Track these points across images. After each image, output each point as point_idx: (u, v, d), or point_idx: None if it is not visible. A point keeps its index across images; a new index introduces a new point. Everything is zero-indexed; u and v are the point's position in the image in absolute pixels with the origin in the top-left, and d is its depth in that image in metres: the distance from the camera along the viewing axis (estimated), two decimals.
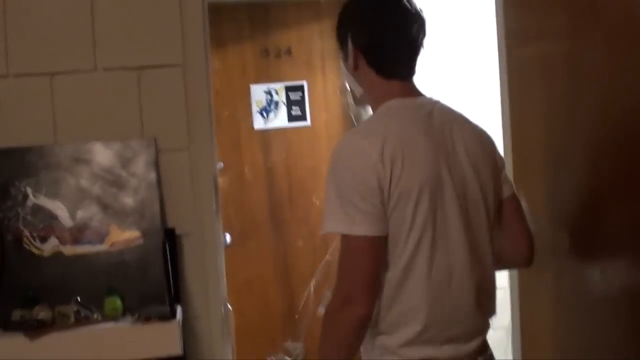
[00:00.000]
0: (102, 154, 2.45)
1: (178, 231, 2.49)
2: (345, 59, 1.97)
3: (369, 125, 1.92)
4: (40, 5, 2.44)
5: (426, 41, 1.96)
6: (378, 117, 1.91)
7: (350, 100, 2.08)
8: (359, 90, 1.99)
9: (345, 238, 1.79)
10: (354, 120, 2.49)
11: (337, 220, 1.79)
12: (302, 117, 4.60)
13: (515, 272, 2.64)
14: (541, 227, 2.20)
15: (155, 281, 2.40)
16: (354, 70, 1.95)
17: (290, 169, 4.67)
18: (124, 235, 2.41)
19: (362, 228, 1.77)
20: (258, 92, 4.72)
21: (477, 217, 1.88)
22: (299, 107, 4.62)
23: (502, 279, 4.62)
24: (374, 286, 1.80)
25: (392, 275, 1.82)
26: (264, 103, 4.69)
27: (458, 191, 1.85)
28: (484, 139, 1.96)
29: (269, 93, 4.70)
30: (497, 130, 2.54)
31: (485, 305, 1.89)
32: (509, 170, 2.39)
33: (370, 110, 2.00)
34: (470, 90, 4.71)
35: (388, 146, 1.78)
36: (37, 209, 2.43)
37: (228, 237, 4.46)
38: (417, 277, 1.81)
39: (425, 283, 1.81)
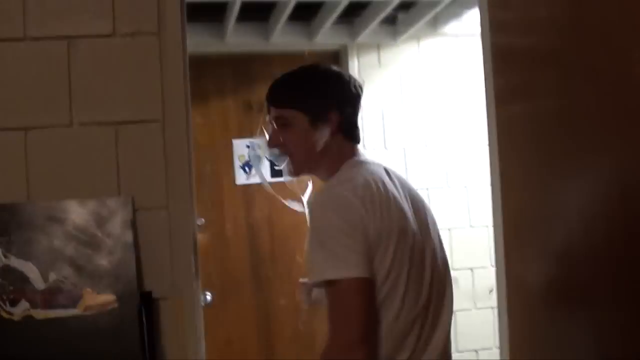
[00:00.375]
0: (77, 213, 2.35)
1: (155, 294, 2.38)
2: (315, 125, 2.16)
3: (343, 178, 2.09)
4: (14, 57, 2.35)
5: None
6: (349, 170, 2.11)
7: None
8: (306, 154, 2.19)
9: (338, 284, 1.88)
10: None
11: (327, 266, 1.90)
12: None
13: (505, 331, 2.53)
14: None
15: (130, 348, 2.29)
16: (331, 135, 2.16)
17: (273, 224, 4.60)
18: (98, 299, 2.30)
19: (357, 270, 1.88)
20: (240, 147, 4.68)
21: (439, 265, 2.16)
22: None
23: (488, 339, 4.56)
24: (372, 329, 1.91)
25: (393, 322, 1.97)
26: (247, 158, 4.64)
27: (424, 239, 2.10)
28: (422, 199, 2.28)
29: (251, 147, 4.64)
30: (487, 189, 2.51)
31: None
32: (498, 229, 2.36)
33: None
34: (462, 148, 4.69)
35: (366, 193, 1.98)
36: (8, 271, 2.31)
37: (209, 296, 4.38)
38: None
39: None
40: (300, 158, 2.23)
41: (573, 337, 2.07)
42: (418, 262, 2.05)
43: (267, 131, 2.33)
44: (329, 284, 1.92)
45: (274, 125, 2.26)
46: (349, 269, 1.88)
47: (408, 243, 2.02)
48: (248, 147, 4.65)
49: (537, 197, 2.22)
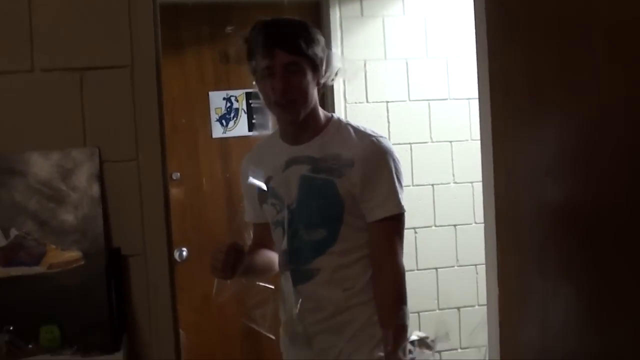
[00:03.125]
0: (40, 165, 2.22)
1: (124, 251, 2.27)
2: (316, 74, 2.36)
3: (365, 130, 2.44)
4: None
5: None
6: (351, 123, 2.45)
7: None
8: (311, 100, 2.38)
9: (402, 215, 2.37)
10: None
11: (400, 201, 2.36)
12: (264, 126, 4.37)
13: (494, 294, 2.43)
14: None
15: (98, 308, 2.17)
16: (317, 83, 2.38)
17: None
18: (63, 256, 2.18)
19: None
20: (217, 99, 4.54)
21: None
22: (261, 115, 4.41)
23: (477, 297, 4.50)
24: None
25: None
26: (224, 111, 4.51)
27: None
28: None
29: (228, 100, 4.53)
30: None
31: None
32: (488, 186, 2.27)
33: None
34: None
35: None
36: None
37: (185, 252, 4.27)
38: None
39: None
40: (308, 104, 2.37)
41: (567, 267, 1.97)
42: None
43: (266, 78, 2.35)
44: (396, 216, 2.35)
45: (282, 69, 2.32)
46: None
47: None
48: (225, 99, 4.51)
49: (531, 117, 2.10)
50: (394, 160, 2.36)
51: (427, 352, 2.42)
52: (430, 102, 4.72)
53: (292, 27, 2.40)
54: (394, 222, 2.35)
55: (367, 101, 4.61)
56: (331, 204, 2.35)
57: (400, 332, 2.29)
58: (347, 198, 2.33)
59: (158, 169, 2.32)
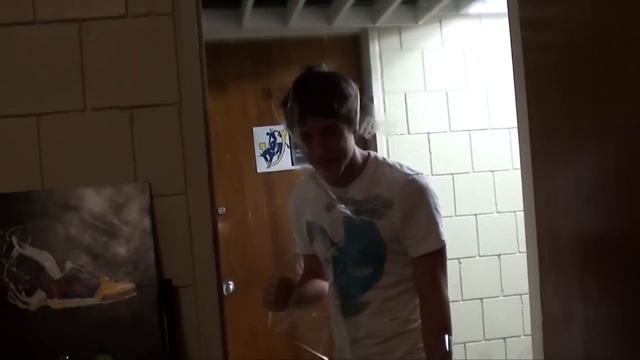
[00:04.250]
0: (93, 200, 2.29)
1: (175, 283, 2.33)
2: (352, 126, 2.46)
3: (405, 165, 2.56)
4: (25, 41, 2.29)
5: None
6: (394, 161, 2.58)
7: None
8: (349, 155, 2.50)
9: (444, 248, 2.47)
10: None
11: (440, 234, 2.46)
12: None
13: (538, 322, 2.45)
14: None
15: (150, 337, 2.23)
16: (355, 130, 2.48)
17: None
18: (117, 288, 2.24)
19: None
20: (261, 135, 4.62)
21: None
22: None
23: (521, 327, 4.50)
24: None
25: None
26: (267, 145, 4.58)
27: None
28: None
29: (272, 135, 4.60)
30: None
31: None
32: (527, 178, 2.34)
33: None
34: None
35: None
36: (23, 260, 2.26)
37: (231, 285, 4.33)
38: None
39: None
40: (347, 158, 2.48)
41: (609, 291, 1.98)
42: None
43: (304, 141, 2.47)
44: (437, 251, 2.45)
45: (319, 134, 2.42)
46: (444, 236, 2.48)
47: None
48: (268, 134, 4.59)
49: (568, 144, 2.13)
50: (431, 196, 2.47)
51: None
52: (471, 132, 4.76)
53: (324, 90, 2.46)
54: (436, 256, 2.45)
55: (409, 133, 4.68)
56: (373, 244, 2.48)
57: (445, 359, 2.37)
58: (388, 238, 2.46)
59: (206, 202, 2.37)
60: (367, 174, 2.53)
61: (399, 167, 2.52)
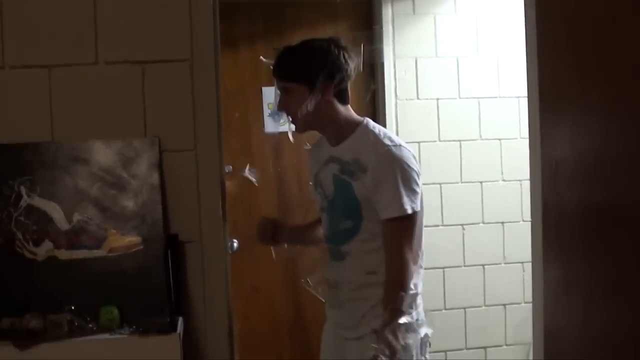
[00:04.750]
0: (102, 153, 2.31)
1: (181, 238, 2.35)
2: (312, 93, 2.64)
3: (388, 135, 2.71)
4: None
5: None
6: (382, 130, 2.73)
7: (291, 127, 2.82)
8: (305, 117, 2.67)
9: (407, 216, 2.59)
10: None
11: (409, 203, 2.57)
12: None
13: (539, 290, 2.46)
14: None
15: (155, 291, 2.26)
16: (323, 99, 2.65)
17: (302, 173, 4.52)
18: (123, 241, 2.26)
19: (418, 204, 2.62)
20: (270, 95, 4.55)
21: None
22: None
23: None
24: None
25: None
26: (275, 106, 4.55)
27: None
28: None
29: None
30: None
31: None
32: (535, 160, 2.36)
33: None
34: None
35: (412, 151, 2.68)
36: (31, 210, 2.28)
37: (235, 243, 4.33)
38: None
39: None
40: (304, 119, 2.70)
41: (612, 253, 1.99)
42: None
43: (275, 95, 2.82)
44: (400, 218, 2.58)
45: (280, 92, 2.75)
46: (417, 205, 2.61)
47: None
48: (277, 94, 4.57)
49: (578, 115, 2.12)
50: (402, 167, 2.62)
51: (412, 334, 2.62)
52: (480, 99, 4.72)
53: (285, 55, 2.75)
54: (399, 222, 2.60)
55: (418, 98, 4.64)
56: (350, 202, 2.69)
57: (394, 314, 2.55)
58: (361, 198, 2.65)
59: (215, 159, 2.39)
60: (354, 137, 2.73)
61: (382, 136, 2.69)
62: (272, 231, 2.98)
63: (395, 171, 2.61)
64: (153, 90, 2.34)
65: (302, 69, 2.68)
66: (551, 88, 2.26)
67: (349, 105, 2.78)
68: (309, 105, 2.68)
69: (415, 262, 2.69)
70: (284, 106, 2.77)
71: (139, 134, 2.33)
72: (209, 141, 2.39)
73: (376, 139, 2.69)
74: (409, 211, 2.60)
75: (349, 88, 2.77)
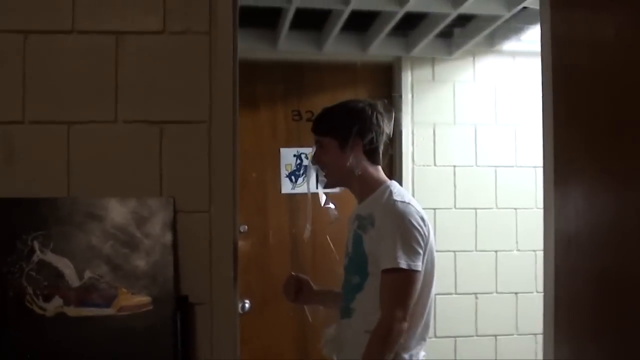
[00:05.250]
0: (117, 211, 2.30)
1: (192, 299, 2.32)
2: (342, 148, 2.88)
3: (400, 195, 2.86)
4: (61, 50, 2.31)
5: None
6: (400, 190, 2.90)
7: (321, 184, 3.02)
8: (338, 171, 2.92)
9: (406, 272, 2.67)
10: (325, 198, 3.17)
11: (404, 258, 2.65)
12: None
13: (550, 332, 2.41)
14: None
15: (164, 351, 2.23)
16: (353, 156, 2.86)
17: (316, 235, 4.49)
18: (133, 300, 2.24)
19: (418, 265, 2.69)
20: (288, 156, 4.62)
21: None
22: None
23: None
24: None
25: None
26: (293, 167, 4.58)
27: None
28: None
29: (298, 157, 4.60)
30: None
31: None
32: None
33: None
34: None
35: (423, 214, 2.82)
36: (43, 265, 2.26)
37: (247, 303, 4.32)
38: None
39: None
40: (333, 174, 2.95)
41: (624, 331, 1.96)
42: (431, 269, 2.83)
43: (312, 151, 3.03)
44: (395, 270, 2.66)
45: (315, 147, 2.98)
46: (417, 263, 2.68)
47: (431, 255, 2.82)
48: (295, 156, 4.59)
49: (592, 189, 2.11)
50: (403, 222, 2.74)
51: None
52: (497, 168, 4.74)
53: (322, 113, 3.02)
54: (392, 275, 2.68)
55: (435, 164, 4.67)
56: (360, 256, 2.81)
57: None
58: (369, 252, 2.78)
59: (229, 222, 2.37)
60: (374, 195, 2.89)
61: (395, 193, 2.84)
62: (297, 288, 3.14)
63: (396, 225, 2.74)
64: (170, 150, 2.34)
65: (335, 125, 2.92)
66: (566, 160, 2.26)
67: (379, 167, 2.96)
68: (340, 159, 2.87)
69: (416, 325, 2.77)
70: (317, 159, 2.97)
71: (154, 193, 2.33)
72: (224, 203, 2.37)
73: (389, 195, 2.84)
74: (403, 265, 2.66)
75: (380, 150, 2.95)
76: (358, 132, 2.88)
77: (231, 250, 2.38)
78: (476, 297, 4.68)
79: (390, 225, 2.74)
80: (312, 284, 3.19)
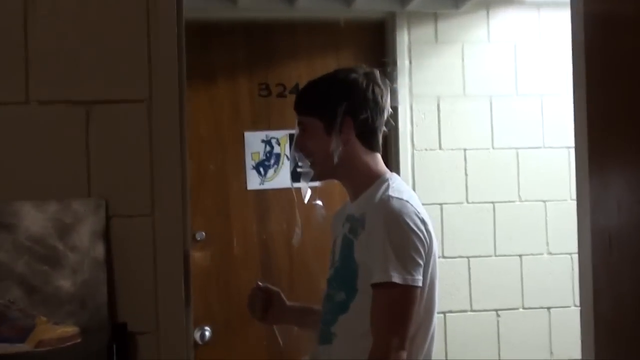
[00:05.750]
0: (32, 219, 2.27)
1: (131, 328, 2.31)
2: (329, 131, 2.80)
3: (405, 191, 2.78)
4: None
5: None
6: (400, 185, 2.82)
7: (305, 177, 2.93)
8: (325, 160, 2.82)
9: (402, 288, 2.60)
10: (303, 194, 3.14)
11: (398, 270, 2.58)
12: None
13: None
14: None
15: None
16: (343, 140, 2.79)
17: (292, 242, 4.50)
18: (56, 332, 2.19)
19: (418, 279, 2.61)
20: (254, 142, 4.59)
21: None
22: None
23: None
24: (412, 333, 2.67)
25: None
26: (262, 156, 4.56)
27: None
28: None
29: (268, 143, 4.57)
30: None
31: None
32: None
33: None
34: None
35: (424, 215, 2.74)
36: None
37: (207, 332, 4.31)
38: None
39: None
40: (319, 164, 2.86)
41: None
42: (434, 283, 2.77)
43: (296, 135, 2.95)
44: (387, 285, 2.59)
45: (298, 129, 2.90)
46: (415, 277, 2.61)
47: (434, 266, 2.75)
48: (264, 142, 4.57)
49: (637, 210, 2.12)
50: (396, 223, 2.66)
51: None
52: (519, 150, 4.72)
53: (307, 88, 2.95)
54: (384, 292, 2.62)
55: (440, 148, 4.65)
56: (349, 268, 2.76)
57: None
58: (360, 261, 2.71)
59: (178, 228, 2.36)
60: (369, 191, 2.81)
61: (391, 188, 2.76)
62: (265, 302, 3.08)
63: (388, 227, 2.66)
64: (99, 138, 2.32)
65: (319, 101, 2.85)
66: (602, 138, 2.25)
67: (378, 155, 2.89)
68: (327, 145, 2.80)
69: (418, 353, 2.71)
70: (298, 145, 2.90)
71: (80, 193, 2.31)
72: (171, 204, 2.36)
73: (385, 190, 2.77)
74: (397, 279, 2.59)
75: (379, 133, 2.88)
76: (348, 110, 2.81)
77: (181, 264, 2.37)
78: (498, 315, 4.67)
79: (382, 228, 2.66)
80: (284, 297, 3.12)
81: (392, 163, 4.51)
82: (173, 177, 2.37)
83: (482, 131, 4.71)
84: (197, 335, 4.26)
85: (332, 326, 2.80)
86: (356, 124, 2.81)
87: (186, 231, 2.42)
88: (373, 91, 2.84)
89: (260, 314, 3.07)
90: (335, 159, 2.81)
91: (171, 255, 2.36)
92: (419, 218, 2.69)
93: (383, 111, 2.87)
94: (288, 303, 3.12)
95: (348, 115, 2.80)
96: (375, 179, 2.84)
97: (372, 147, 2.87)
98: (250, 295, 3.09)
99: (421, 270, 2.64)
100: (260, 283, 3.13)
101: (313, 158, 2.87)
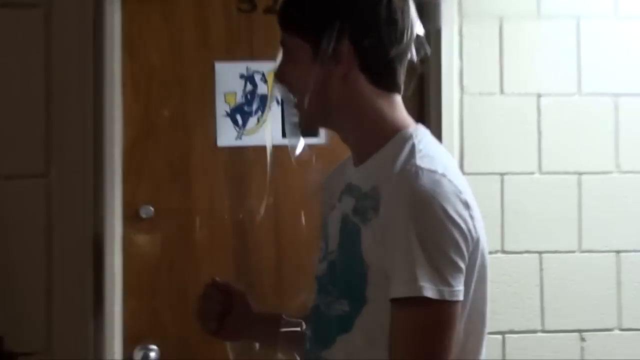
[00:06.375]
0: None
1: (11, 346, 2.19)
2: (321, 60, 2.60)
3: (438, 157, 2.58)
4: None
5: None
6: (430, 144, 2.61)
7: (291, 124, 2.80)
8: (315, 100, 2.62)
9: (437, 305, 2.40)
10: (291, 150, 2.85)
11: (431, 279, 2.39)
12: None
13: None
14: None
15: None
16: (340, 72, 2.58)
17: (282, 222, 4.46)
18: None
19: (458, 291, 2.43)
20: (229, 77, 4.52)
21: None
22: None
23: None
24: None
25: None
26: (240, 98, 4.48)
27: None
28: None
29: (249, 79, 4.51)
30: None
31: None
32: None
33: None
34: None
35: (468, 195, 2.52)
36: None
37: (153, 353, 4.22)
38: None
39: None
40: (307, 104, 2.65)
41: None
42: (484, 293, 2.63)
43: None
44: (415, 300, 2.38)
45: (282, 52, 2.73)
46: (452, 288, 2.43)
47: (482, 268, 2.59)
48: (243, 77, 4.49)
49: None
50: (428, 209, 2.49)
51: None
52: (617, 98, 4.63)
53: None
54: (413, 310, 2.44)
55: (502, 92, 4.55)
56: (354, 266, 2.59)
57: None
58: (370, 259, 2.53)
59: (87, 195, 2.32)
60: (383, 152, 2.63)
61: (420, 153, 2.57)
62: (223, 307, 2.96)
63: (413, 213, 2.46)
64: None
65: (306, 14, 2.70)
66: None
67: (397, 97, 2.70)
68: (313, 76, 2.63)
69: None
70: (279, 73, 2.75)
71: None
72: (77, 161, 2.31)
73: (409, 155, 2.58)
74: (429, 293, 2.40)
75: (398, 67, 2.68)
76: (346, 30, 2.63)
77: (90, 250, 2.29)
78: (582, 339, 4.61)
79: (406, 216, 2.44)
80: (249, 302, 3.00)
81: (431, 113, 4.42)
82: (79, 121, 2.34)
83: (565, 68, 4.61)
84: (138, 358, 4.17)
85: (326, 350, 2.66)
86: (360, 51, 2.61)
87: (101, 201, 2.34)
88: (388, 4, 2.63)
89: (214, 325, 2.96)
90: (328, 100, 2.65)
91: (74, 235, 2.31)
92: (460, 200, 2.50)
93: (403, 35, 2.66)
94: (255, 311, 3.01)
95: (346, 38, 2.60)
96: (391, 134, 2.65)
97: (386, 85, 2.67)
98: (201, 296, 2.98)
99: (462, 277, 2.47)
100: (217, 279, 3.00)
101: (297, 95, 2.71)
